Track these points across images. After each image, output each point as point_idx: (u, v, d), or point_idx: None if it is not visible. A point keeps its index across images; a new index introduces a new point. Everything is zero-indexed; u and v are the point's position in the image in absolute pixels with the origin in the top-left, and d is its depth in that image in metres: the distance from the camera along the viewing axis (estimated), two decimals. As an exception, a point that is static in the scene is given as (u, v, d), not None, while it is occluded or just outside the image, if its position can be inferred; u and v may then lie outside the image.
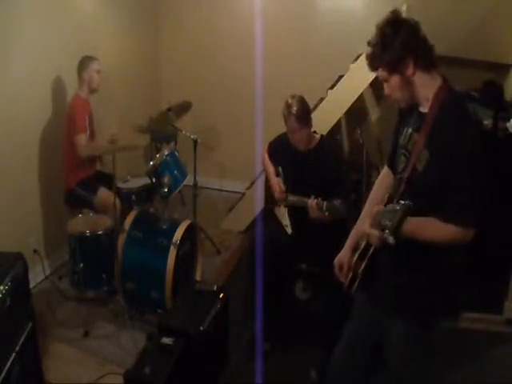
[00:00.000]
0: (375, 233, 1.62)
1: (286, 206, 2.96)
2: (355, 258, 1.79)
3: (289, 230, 2.92)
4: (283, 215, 2.98)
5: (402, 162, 1.76)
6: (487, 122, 3.02)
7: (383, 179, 1.99)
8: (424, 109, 1.68)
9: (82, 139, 3.37)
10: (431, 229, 1.60)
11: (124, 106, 4.56)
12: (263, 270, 2.77)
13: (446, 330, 3.12)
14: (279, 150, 3.10)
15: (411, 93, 1.67)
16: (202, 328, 2.46)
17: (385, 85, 1.70)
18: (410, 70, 1.63)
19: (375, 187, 2.01)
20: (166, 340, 2.35)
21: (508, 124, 2.95)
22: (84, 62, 3.46)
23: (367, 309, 1.91)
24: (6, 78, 3.18)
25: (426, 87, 1.65)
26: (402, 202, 1.51)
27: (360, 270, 1.75)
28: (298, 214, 2.88)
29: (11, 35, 3.20)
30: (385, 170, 1.99)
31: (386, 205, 1.66)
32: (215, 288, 2.80)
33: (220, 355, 2.75)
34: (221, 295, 2.73)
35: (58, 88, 3.66)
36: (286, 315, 3.09)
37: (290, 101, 2.82)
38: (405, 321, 1.77)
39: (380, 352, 1.92)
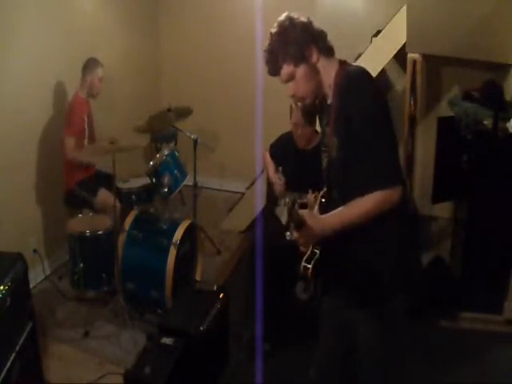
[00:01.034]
0: (287, 237, 1.62)
1: (286, 205, 2.95)
2: (302, 263, 1.73)
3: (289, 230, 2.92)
4: (284, 214, 2.97)
5: (323, 157, 1.80)
6: (487, 122, 3.02)
7: None
8: (330, 100, 1.70)
9: (70, 142, 3.37)
10: (356, 207, 1.58)
11: (124, 106, 4.55)
12: (263, 270, 2.77)
13: (446, 330, 3.15)
14: (281, 150, 3.11)
15: (317, 83, 1.68)
16: (202, 328, 2.46)
17: (289, 85, 1.70)
18: (314, 57, 1.65)
19: None
20: (166, 340, 2.35)
21: (508, 124, 2.95)
22: (90, 65, 3.45)
23: (333, 314, 1.91)
24: (6, 78, 3.18)
25: (328, 74, 1.67)
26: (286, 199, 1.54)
27: (309, 274, 1.71)
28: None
29: (11, 35, 3.20)
30: None
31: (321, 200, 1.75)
32: (215, 288, 2.80)
33: (220, 355, 2.74)
34: (221, 295, 2.73)
35: (58, 88, 3.66)
36: (285, 315, 3.08)
37: None
38: (366, 310, 1.75)
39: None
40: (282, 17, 1.68)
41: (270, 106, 4.24)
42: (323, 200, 1.80)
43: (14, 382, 2.09)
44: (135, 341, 2.93)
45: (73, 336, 3.00)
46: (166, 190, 3.23)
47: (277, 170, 3.06)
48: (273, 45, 1.66)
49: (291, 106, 2.87)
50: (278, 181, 2.97)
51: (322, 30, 1.70)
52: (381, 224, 1.61)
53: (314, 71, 1.67)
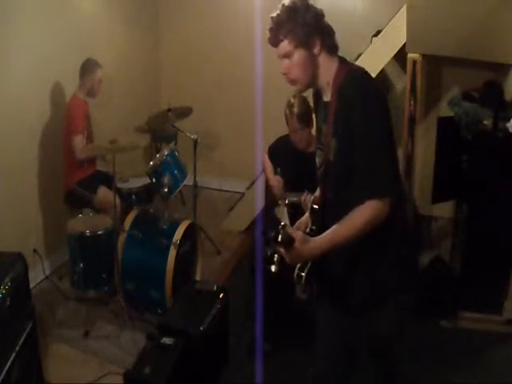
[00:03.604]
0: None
1: (285, 206, 2.97)
2: (296, 270, 1.71)
3: None
4: (283, 215, 2.98)
5: (319, 156, 1.76)
6: (487, 122, 3.02)
7: None
8: (327, 97, 1.68)
9: (79, 141, 3.37)
10: (347, 226, 1.55)
11: (124, 106, 4.55)
12: (263, 270, 2.77)
13: (446, 330, 3.15)
14: (279, 152, 3.11)
15: (313, 74, 1.66)
16: (202, 328, 2.46)
17: (283, 62, 1.65)
18: (317, 48, 1.63)
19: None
20: (166, 340, 2.35)
21: (508, 124, 2.95)
22: (88, 67, 3.45)
23: (329, 319, 1.90)
24: (5, 78, 3.18)
25: (328, 71, 1.65)
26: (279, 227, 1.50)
27: (303, 281, 1.69)
28: (297, 213, 2.89)
29: (11, 36, 3.19)
30: None
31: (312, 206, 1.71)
32: (215, 288, 2.80)
33: (220, 355, 2.74)
34: (221, 295, 2.73)
35: (58, 88, 3.66)
36: (285, 315, 3.08)
37: (292, 100, 2.84)
38: (355, 313, 1.75)
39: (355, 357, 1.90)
40: None
41: (269, 106, 4.24)
42: (315, 206, 1.76)
43: (13, 382, 2.09)
44: (135, 341, 2.93)
45: (73, 336, 3.00)
46: (166, 189, 3.23)
47: (275, 172, 3.07)
48: (281, 16, 1.61)
49: (286, 114, 2.86)
50: (277, 184, 2.98)
51: (331, 27, 1.67)
52: (376, 239, 1.59)
53: (313, 62, 1.64)
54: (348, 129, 1.55)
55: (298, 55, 1.62)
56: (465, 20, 3.23)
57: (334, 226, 1.57)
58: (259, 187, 3.98)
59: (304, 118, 2.81)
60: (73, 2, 3.88)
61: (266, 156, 3.20)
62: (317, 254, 1.57)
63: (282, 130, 3.02)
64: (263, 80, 4.55)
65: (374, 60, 3.76)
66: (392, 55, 3.69)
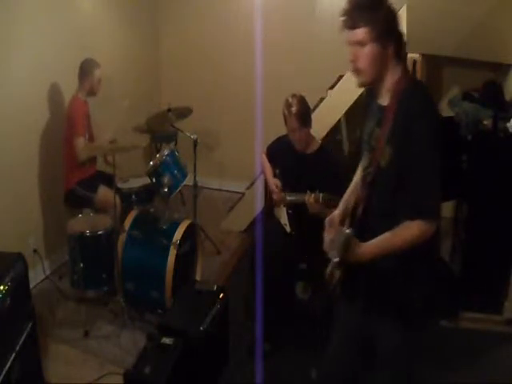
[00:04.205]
0: (330, 255, 1.61)
1: (285, 206, 2.97)
2: (329, 268, 1.70)
3: (287, 229, 2.93)
4: (282, 214, 2.99)
5: (365, 157, 1.74)
6: (487, 122, 3.02)
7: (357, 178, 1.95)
8: (383, 101, 1.65)
9: (80, 143, 3.37)
10: (393, 238, 1.58)
11: (124, 106, 4.55)
12: (263, 270, 2.77)
13: (446, 330, 3.15)
14: (278, 152, 3.10)
15: (379, 73, 1.61)
16: (202, 328, 2.46)
17: (352, 50, 1.60)
18: (390, 49, 1.59)
19: (355, 178, 1.98)
20: (166, 340, 2.35)
21: (508, 124, 2.95)
22: (87, 68, 3.44)
23: (351, 317, 1.90)
24: (5, 78, 3.17)
25: (392, 75, 1.62)
26: (344, 231, 1.51)
27: (335, 280, 1.70)
28: (297, 213, 2.89)
29: (11, 36, 3.19)
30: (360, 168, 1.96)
31: (353, 211, 1.69)
32: (215, 288, 2.80)
33: (220, 355, 2.74)
34: (221, 295, 2.73)
35: (57, 88, 3.65)
36: (286, 315, 3.08)
37: (290, 100, 2.83)
38: (387, 321, 1.75)
39: (367, 357, 1.91)
40: None
41: (269, 106, 4.23)
42: (357, 213, 1.74)
43: (13, 382, 2.09)
44: (135, 341, 2.93)
45: (73, 336, 3.00)
46: (166, 189, 3.23)
47: (274, 175, 3.07)
48: (365, 1, 1.55)
49: (284, 114, 2.86)
50: (276, 189, 2.98)
51: (404, 34, 1.63)
52: (417, 250, 1.61)
53: (382, 61, 1.59)
54: (406, 141, 1.54)
55: (372, 48, 1.56)
56: (465, 20, 3.23)
57: (384, 235, 1.58)
58: (259, 187, 3.97)
59: (303, 118, 2.80)
60: (73, 2, 3.88)
61: (265, 157, 3.19)
62: (365, 259, 1.58)
63: (281, 129, 3.02)
64: (263, 80, 4.55)
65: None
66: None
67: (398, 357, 1.82)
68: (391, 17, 1.58)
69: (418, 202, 1.56)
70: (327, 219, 1.83)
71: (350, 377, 1.99)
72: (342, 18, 1.58)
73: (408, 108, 1.56)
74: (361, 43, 1.57)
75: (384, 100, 1.64)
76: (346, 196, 1.94)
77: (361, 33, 1.56)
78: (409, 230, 1.56)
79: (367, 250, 1.58)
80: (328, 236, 1.69)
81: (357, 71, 1.62)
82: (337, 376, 2.01)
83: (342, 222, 1.81)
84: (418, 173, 1.55)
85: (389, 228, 1.59)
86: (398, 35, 1.61)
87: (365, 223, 1.69)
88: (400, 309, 1.72)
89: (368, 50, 1.57)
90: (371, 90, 1.73)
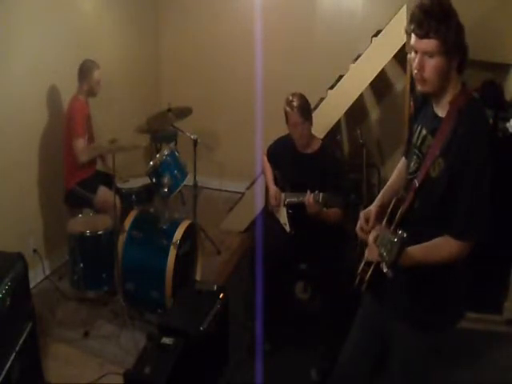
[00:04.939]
0: (374, 254, 1.60)
1: (285, 206, 2.97)
2: (362, 264, 1.75)
3: (287, 228, 2.93)
4: (282, 214, 2.99)
5: (414, 161, 1.71)
6: (487, 122, 3.02)
7: (401, 169, 1.93)
8: (440, 112, 1.62)
9: (80, 144, 3.36)
10: (432, 251, 1.59)
11: (124, 106, 4.55)
12: (263, 270, 2.77)
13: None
14: (279, 152, 3.11)
15: (442, 85, 1.58)
16: (202, 328, 2.46)
17: (419, 58, 1.54)
18: (454, 62, 1.57)
19: (393, 176, 1.96)
20: (166, 340, 2.35)
21: (508, 124, 2.95)
22: (86, 70, 3.43)
23: (372, 314, 1.90)
24: (5, 78, 3.18)
25: (452, 88, 1.60)
26: (400, 233, 1.48)
27: (367, 277, 1.72)
28: (297, 213, 2.89)
29: (11, 36, 3.19)
30: (403, 160, 1.94)
31: (391, 211, 1.66)
32: (215, 288, 2.80)
33: (220, 355, 2.74)
34: (221, 295, 2.73)
35: (57, 88, 3.65)
36: (286, 315, 3.08)
37: (290, 97, 2.86)
38: (408, 323, 1.76)
39: (384, 356, 1.91)
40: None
41: (269, 106, 4.24)
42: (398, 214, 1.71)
43: (14, 382, 2.09)
44: (135, 341, 2.94)
45: (73, 336, 3.00)
46: (166, 189, 3.22)
47: (275, 178, 3.08)
48: (441, 12, 1.50)
49: (286, 111, 2.87)
50: (274, 200, 2.98)
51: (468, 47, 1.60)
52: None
53: (447, 74, 1.57)
54: (460, 158, 1.53)
55: (440, 60, 1.53)
56: (464, 20, 3.22)
57: (424, 246, 1.58)
58: (259, 187, 3.98)
59: (305, 112, 2.83)
60: (73, 2, 3.88)
61: (266, 158, 3.20)
62: (405, 264, 1.56)
63: (282, 129, 3.02)
64: (263, 80, 4.56)
65: (373, 60, 3.77)
66: (392, 55, 3.70)
67: (416, 358, 1.84)
68: (460, 29, 1.57)
69: (464, 223, 1.56)
70: (362, 213, 1.81)
71: (368, 371, 2.00)
72: (412, 26, 1.54)
73: (469, 125, 1.54)
74: (430, 54, 1.53)
75: (442, 111, 1.62)
76: (383, 191, 1.92)
77: (432, 44, 1.51)
78: (448, 248, 1.57)
79: (407, 257, 1.55)
80: (372, 232, 1.65)
81: (422, 81, 1.59)
82: (353, 370, 2.02)
83: (378, 218, 1.78)
84: (470, 193, 1.55)
85: (429, 237, 1.59)
86: (464, 49, 1.59)
87: (406, 227, 1.63)
88: (427, 310, 1.73)
89: (436, 62, 1.53)
90: (426, 94, 1.70)
